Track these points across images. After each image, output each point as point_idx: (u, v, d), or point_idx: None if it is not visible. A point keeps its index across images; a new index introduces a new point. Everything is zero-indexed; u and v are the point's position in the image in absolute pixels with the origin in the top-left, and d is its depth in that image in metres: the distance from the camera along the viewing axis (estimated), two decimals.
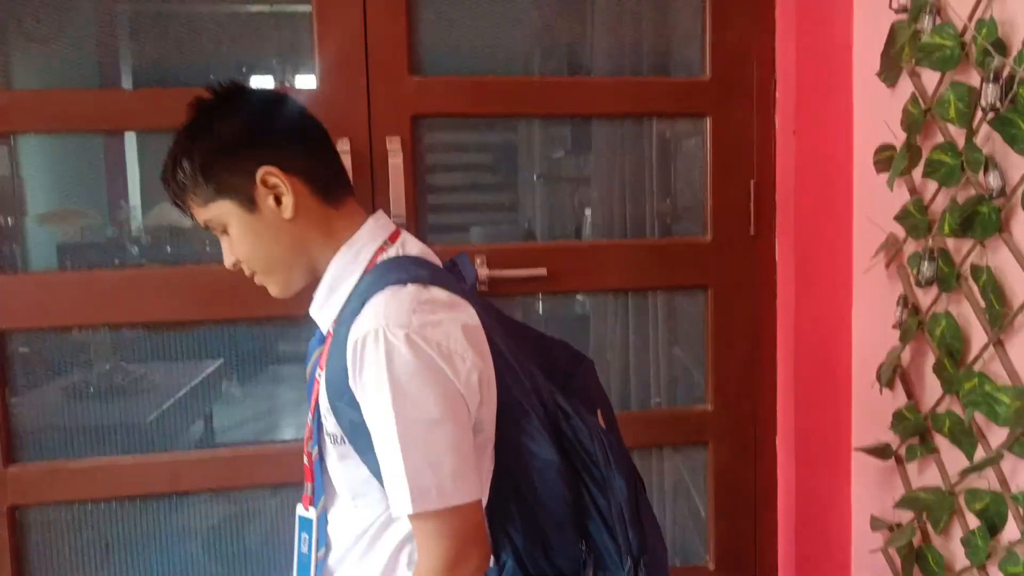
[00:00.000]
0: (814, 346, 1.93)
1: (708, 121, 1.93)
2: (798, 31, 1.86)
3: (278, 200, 1.13)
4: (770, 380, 1.99)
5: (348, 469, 1.16)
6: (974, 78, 1.46)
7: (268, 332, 1.88)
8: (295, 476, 1.84)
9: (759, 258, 1.96)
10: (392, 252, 1.17)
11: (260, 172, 1.11)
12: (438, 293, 1.09)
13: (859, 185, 1.87)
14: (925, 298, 1.65)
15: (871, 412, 1.87)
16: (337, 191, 1.18)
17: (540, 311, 1.96)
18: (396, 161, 1.77)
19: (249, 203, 1.13)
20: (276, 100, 1.20)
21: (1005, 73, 1.35)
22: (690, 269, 1.95)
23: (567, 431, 1.16)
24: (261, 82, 1.83)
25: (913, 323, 1.64)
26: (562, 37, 1.92)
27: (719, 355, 1.98)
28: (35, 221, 1.81)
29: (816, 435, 1.95)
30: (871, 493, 1.88)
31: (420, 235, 1.83)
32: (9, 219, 1.79)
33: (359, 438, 1.09)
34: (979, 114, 1.44)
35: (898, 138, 1.66)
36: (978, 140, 1.44)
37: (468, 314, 1.10)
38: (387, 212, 1.76)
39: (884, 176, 1.73)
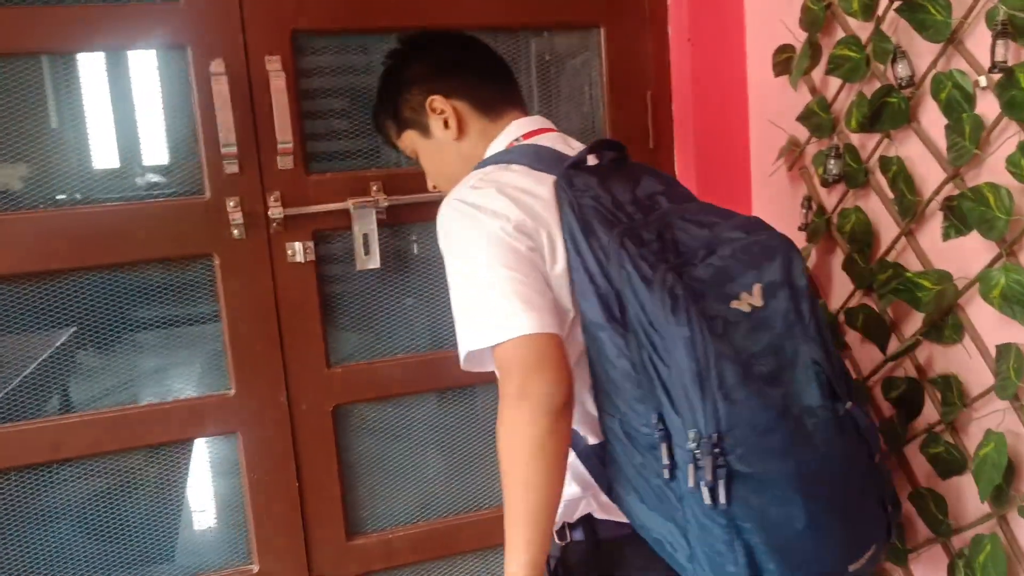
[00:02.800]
0: None
1: (602, 32, 1.87)
2: None
3: (446, 123, 1.32)
4: None
5: None
6: None
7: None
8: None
9: (660, 169, 1.93)
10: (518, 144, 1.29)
11: (428, 101, 1.32)
12: (512, 171, 1.20)
13: (753, 90, 1.86)
14: (830, 197, 1.66)
15: None
16: (498, 106, 1.34)
17: None
18: (279, 84, 1.63)
19: (425, 130, 1.35)
20: (445, 40, 1.40)
21: None
22: None
23: (627, 291, 1.08)
24: None
25: (821, 222, 1.65)
26: None
27: None
28: None
29: None
30: None
31: (306, 165, 1.71)
32: None
33: None
34: (882, 6, 1.45)
35: (798, 38, 1.65)
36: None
37: (527, 185, 1.17)
38: (275, 143, 1.64)
39: (780, 80, 1.73)
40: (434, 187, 1.42)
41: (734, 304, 1.07)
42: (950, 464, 1.43)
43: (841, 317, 1.64)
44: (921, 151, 1.43)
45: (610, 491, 1.19)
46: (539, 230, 1.14)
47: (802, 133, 1.70)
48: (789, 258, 1.12)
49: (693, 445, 1.02)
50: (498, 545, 1.17)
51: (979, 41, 1.29)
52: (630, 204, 1.17)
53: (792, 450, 1.04)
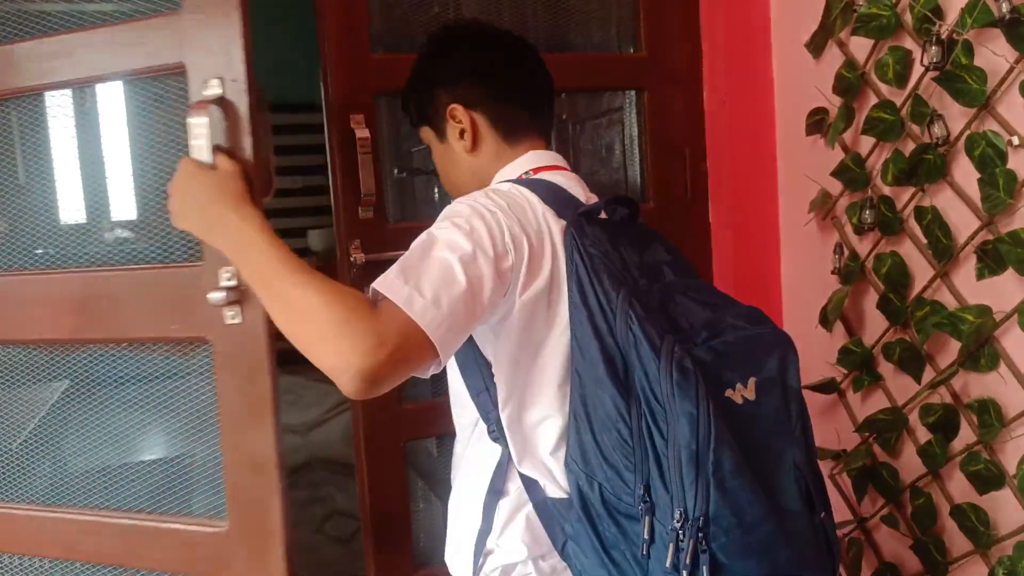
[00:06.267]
0: (748, 299, 2.09)
1: (645, 94, 2.05)
2: (724, 8, 2.03)
3: (462, 134, 1.29)
4: None
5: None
6: (906, 44, 1.66)
7: None
8: None
9: (696, 220, 2.11)
10: (528, 178, 1.25)
11: (448, 108, 1.28)
12: (523, 192, 1.18)
13: (782, 147, 2.06)
14: (862, 244, 1.84)
15: (800, 356, 2.07)
16: (519, 132, 1.29)
17: None
18: (363, 140, 1.75)
19: (440, 133, 1.32)
20: (487, 43, 1.33)
21: (944, 36, 1.55)
22: None
23: (632, 355, 1.06)
24: None
25: (856, 266, 1.83)
26: (509, 17, 1.98)
27: None
28: None
29: None
30: None
31: (385, 215, 1.83)
32: None
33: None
34: (915, 75, 1.65)
35: (831, 102, 1.85)
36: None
37: (540, 213, 1.16)
38: (358, 194, 1.76)
39: (806, 138, 1.93)
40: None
41: (728, 393, 1.04)
42: (989, 480, 1.59)
43: (877, 351, 1.82)
44: (953, 202, 1.62)
45: (563, 552, 1.17)
46: (529, 248, 1.11)
47: (830, 186, 1.89)
48: (787, 357, 1.10)
49: (678, 525, 1.00)
50: None
51: (1010, 106, 1.49)
52: (636, 268, 1.14)
53: (772, 552, 1.02)
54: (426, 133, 1.37)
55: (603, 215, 1.20)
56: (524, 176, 1.25)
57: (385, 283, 1.04)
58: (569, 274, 1.12)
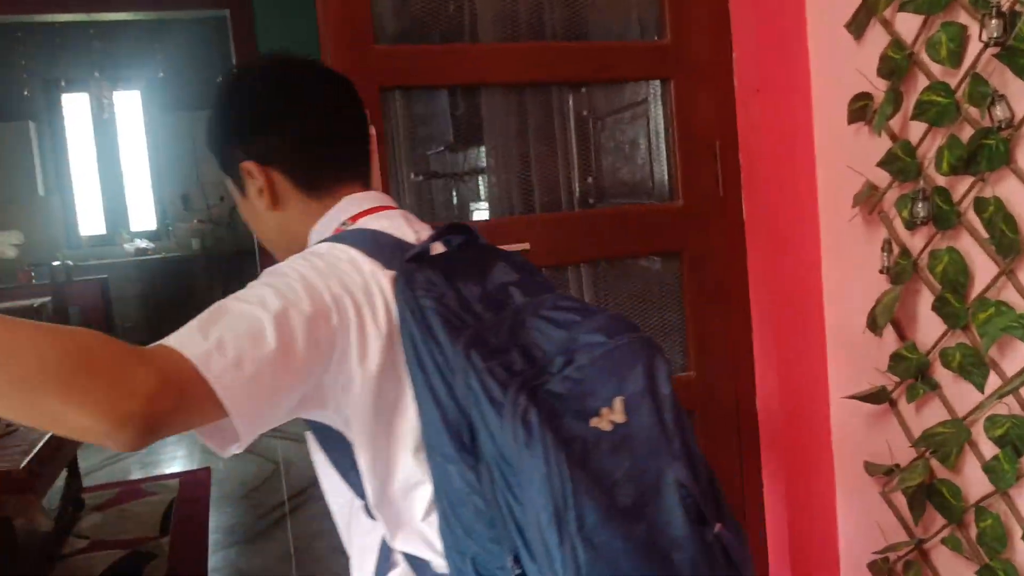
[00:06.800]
0: (787, 302, 1.95)
1: (672, 84, 1.90)
2: None
3: (260, 192, 1.13)
4: (746, 338, 2.00)
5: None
6: (961, 19, 1.51)
7: None
8: None
9: (729, 218, 1.96)
10: (347, 229, 1.11)
11: (242, 164, 1.13)
12: (344, 249, 1.03)
13: (820, 137, 1.90)
14: (914, 240, 1.69)
15: (845, 363, 1.91)
16: (326, 184, 1.14)
17: None
18: (372, 135, 1.63)
19: (241, 188, 1.16)
20: (281, 90, 1.15)
21: (1005, 8, 1.40)
22: (666, 235, 1.92)
23: (475, 414, 0.95)
24: None
25: (907, 264, 1.67)
26: (524, 4, 1.84)
27: (697, 319, 1.96)
28: None
29: (796, 391, 1.97)
30: (854, 441, 1.92)
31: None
32: None
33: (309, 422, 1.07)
34: (971, 53, 1.49)
35: (875, 86, 1.69)
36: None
37: (366, 268, 1.02)
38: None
39: (848, 127, 1.77)
40: None
41: (593, 422, 0.92)
42: None
43: (933, 357, 1.66)
44: (1018, 191, 1.46)
45: None
46: (357, 312, 0.99)
47: (877, 177, 1.73)
48: (652, 363, 0.97)
49: None
50: None
51: None
52: (478, 301, 1.03)
53: None
54: (230, 184, 1.20)
55: (439, 249, 1.09)
56: (341, 228, 1.11)
57: (178, 338, 0.87)
58: (404, 334, 1.00)
